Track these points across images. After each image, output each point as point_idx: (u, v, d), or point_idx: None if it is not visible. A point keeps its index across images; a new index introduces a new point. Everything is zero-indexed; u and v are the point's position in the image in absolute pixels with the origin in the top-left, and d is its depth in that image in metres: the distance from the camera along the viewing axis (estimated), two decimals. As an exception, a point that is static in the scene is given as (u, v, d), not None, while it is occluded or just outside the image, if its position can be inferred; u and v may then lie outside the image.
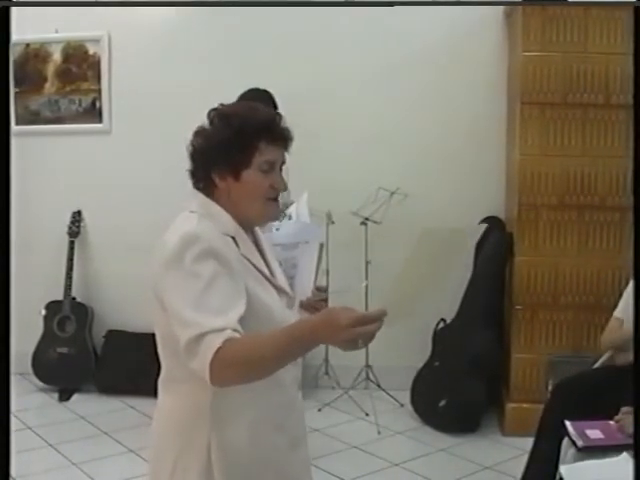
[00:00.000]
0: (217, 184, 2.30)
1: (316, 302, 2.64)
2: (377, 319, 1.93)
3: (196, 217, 2.25)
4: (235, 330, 2.05)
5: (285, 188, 2.36)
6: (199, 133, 2.33)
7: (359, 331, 1.91)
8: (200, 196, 2.34)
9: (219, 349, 1.99)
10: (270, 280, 2.35)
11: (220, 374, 2.01)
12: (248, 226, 2.37)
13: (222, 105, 2.37)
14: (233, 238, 2.27)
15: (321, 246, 2.77)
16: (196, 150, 2.33)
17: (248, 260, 2.29)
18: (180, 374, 2.24)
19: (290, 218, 3.51)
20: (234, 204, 2.31)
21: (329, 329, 1.93)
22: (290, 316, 2.35)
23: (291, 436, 2.40)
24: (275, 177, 2.33)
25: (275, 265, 2.46)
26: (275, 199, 2.35)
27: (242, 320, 2.09)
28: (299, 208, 3.75)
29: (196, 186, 2.36)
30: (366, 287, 5.69)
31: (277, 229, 2.96)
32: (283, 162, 2.37)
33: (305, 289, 2.62)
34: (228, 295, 2.12)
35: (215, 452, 2.23)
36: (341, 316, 1.92)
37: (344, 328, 1.90)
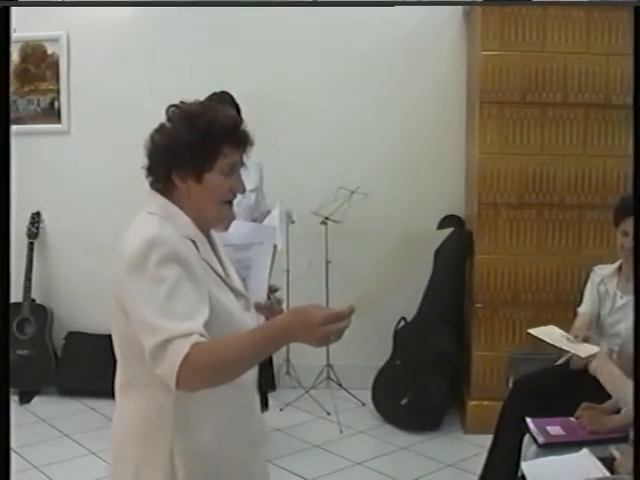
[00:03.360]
0: (177, 185, 2.25)
1: (271, 304, 2.56)
2: (347, 316, 1.94)
3: (157, 220, 2.20)
4: (201, 335, 2.02)
5: (243, 191, 2.34)
6: (160, 130, 2.28)
7: (332, 328, 1.92)
8: (159, 198, 2.28)
9: (187, 354, 1.97)
10: (227, 283, 2.32)
11: (188, 379, 1.99)
12: (205, 228, 2.34)
13: (183, 103, 2.31)
14: (193, 242, 2.23)
15: (275, 247, 2.74)
16: (156, 148, 2.27)
17: (207, 264, 2.25)
18: (141, 379, 2.20)
19: None
20: (193, 206, 2.27)
21: (303, 328, 1.94)
22: (248, 319, 2.34)
23: (252, 436, 2.39)
24: (235, 180, 2.31)
25: (230, 267, 2.43)
26: (230, 202, 2.33)
27: (205, 324, 2.07)
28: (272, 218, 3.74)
29: (154, 186, 2.30)
30: (327, 286, 5.74)
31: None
32: (242, 164, 2.34)
33: (260, 291, 2.59)
34: (193, 300, 2.09)
35: (178, 455, 2.20)
36: (314, 314, 1.93)
37: (317, 326, 1.91)
